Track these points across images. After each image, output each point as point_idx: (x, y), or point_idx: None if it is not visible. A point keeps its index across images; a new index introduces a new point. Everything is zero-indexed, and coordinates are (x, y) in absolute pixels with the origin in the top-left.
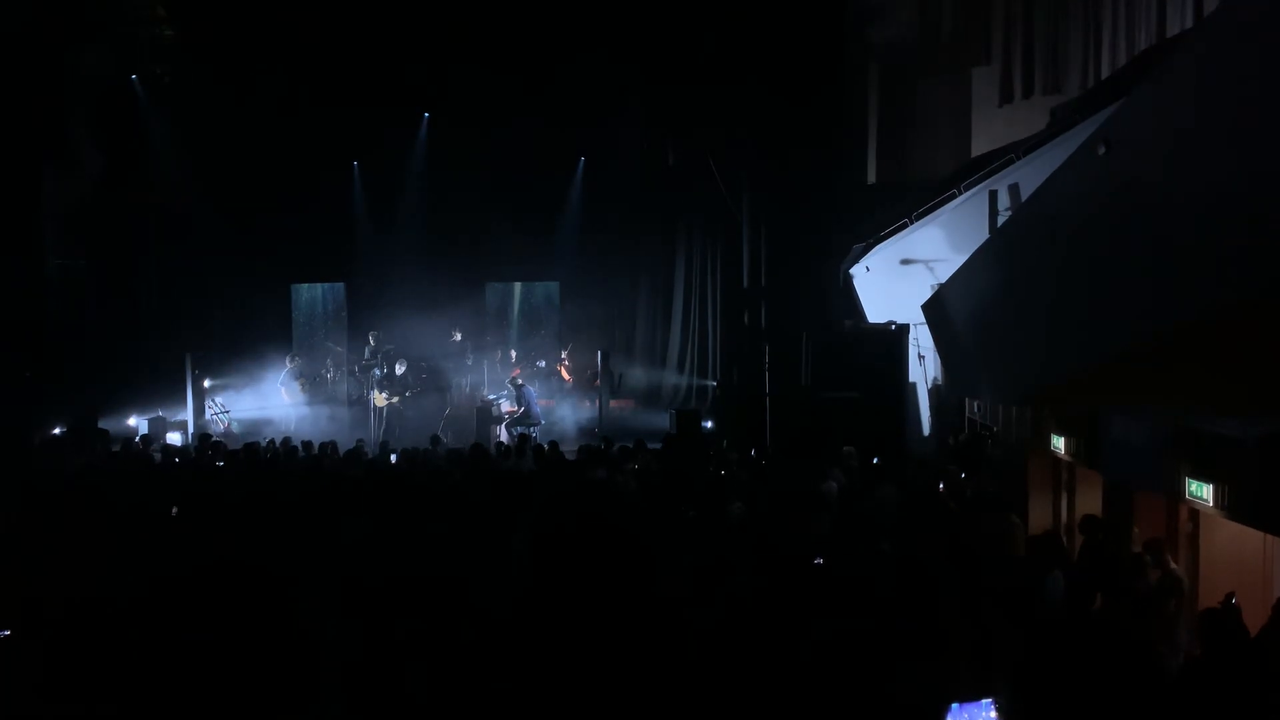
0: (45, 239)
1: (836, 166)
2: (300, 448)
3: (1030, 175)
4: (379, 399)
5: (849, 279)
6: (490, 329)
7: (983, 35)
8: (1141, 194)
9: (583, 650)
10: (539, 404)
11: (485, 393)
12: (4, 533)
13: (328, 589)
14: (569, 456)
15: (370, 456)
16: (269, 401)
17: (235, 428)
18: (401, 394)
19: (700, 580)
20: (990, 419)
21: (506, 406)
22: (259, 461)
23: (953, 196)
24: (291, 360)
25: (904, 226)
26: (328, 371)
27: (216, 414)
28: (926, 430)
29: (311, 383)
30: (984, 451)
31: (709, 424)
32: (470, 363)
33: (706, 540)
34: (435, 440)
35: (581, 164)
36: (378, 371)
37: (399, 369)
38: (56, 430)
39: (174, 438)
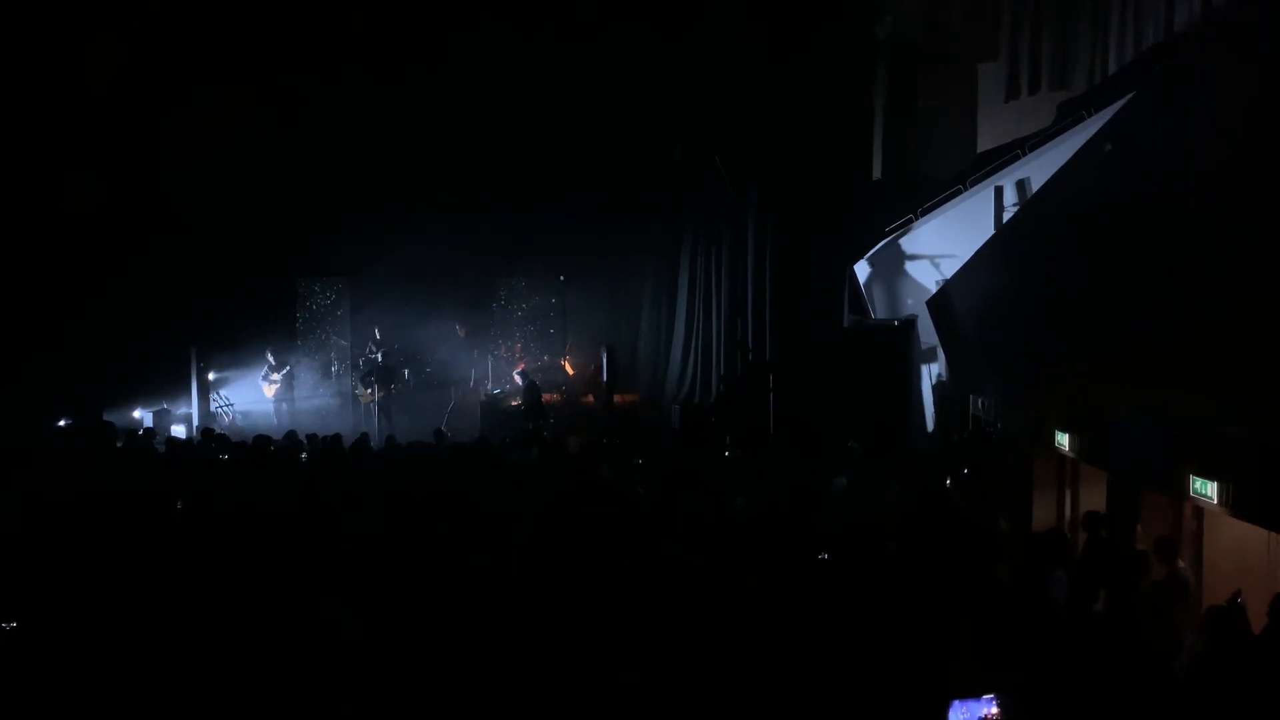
0: (53, 233)
1: (843, 162)
2: (305, 441)
3: (1037, 171)
4: (363, 395)
5: (854, 275)
6: (494, 323)
7: (990, 31)
8: (1148, 190)
9: (589, 648)
10: (544, 398)
11: (489, 387)
12: (11, 527)
13: (333, 582)
14: (573, 452)
15: (374, 450)
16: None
17: (239, 421)
18: (386, 389)
19: (703, 575)
20: (995, 415)
21: (512, 401)
22: (266, 455)
23: (958, 193)
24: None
25: (910, 222)
26: (333, 366)
27: (221, 407)
28: (930, 427)
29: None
30: (988, 448)
31: (714, 419)
32: (475, 356)
33: (710, 536)
34: (439, 435)
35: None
36: (363, 365)
37: (377, 359)
38: (62, 422)
39: (178, 430)
